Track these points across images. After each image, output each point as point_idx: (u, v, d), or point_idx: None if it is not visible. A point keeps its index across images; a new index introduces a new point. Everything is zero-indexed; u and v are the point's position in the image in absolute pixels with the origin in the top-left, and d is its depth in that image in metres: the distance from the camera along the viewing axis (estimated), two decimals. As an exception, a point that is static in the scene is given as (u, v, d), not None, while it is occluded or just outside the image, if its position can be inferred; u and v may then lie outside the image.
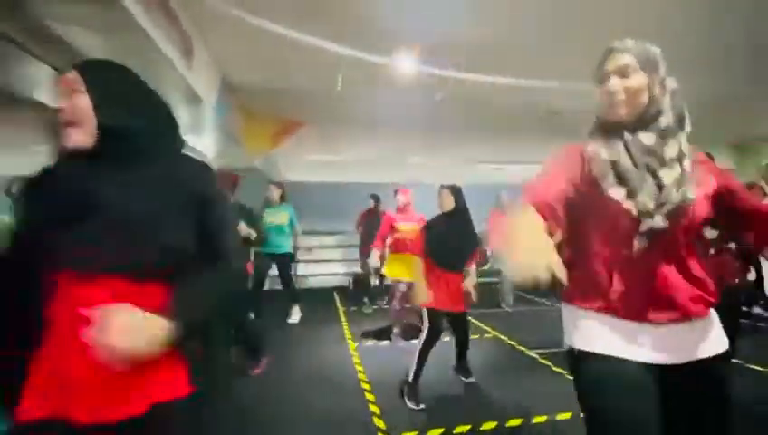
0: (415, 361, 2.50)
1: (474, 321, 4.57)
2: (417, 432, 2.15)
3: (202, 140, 4.79)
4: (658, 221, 0.94)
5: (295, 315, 4.60)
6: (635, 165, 0.98)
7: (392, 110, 5.31)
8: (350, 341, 3.82)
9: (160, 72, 2.90)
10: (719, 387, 0.98)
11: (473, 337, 3.92)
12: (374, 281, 5.70)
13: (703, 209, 0.98)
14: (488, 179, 8.11)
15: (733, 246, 2.38)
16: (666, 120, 1.00)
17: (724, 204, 1.01)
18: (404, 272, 3.54)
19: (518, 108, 5.03)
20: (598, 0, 2.98)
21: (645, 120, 1.01)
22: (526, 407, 2.38)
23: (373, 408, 2.44)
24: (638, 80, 1.00)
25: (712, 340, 0.99)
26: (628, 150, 1.00)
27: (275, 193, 4.54)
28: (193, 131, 4.54)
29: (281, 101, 5.02)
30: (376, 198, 5.89)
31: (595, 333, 0.98)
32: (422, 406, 2.41)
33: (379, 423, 2.25)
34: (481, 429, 2.20)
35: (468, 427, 2.21)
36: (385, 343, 3.75)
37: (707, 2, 2.98)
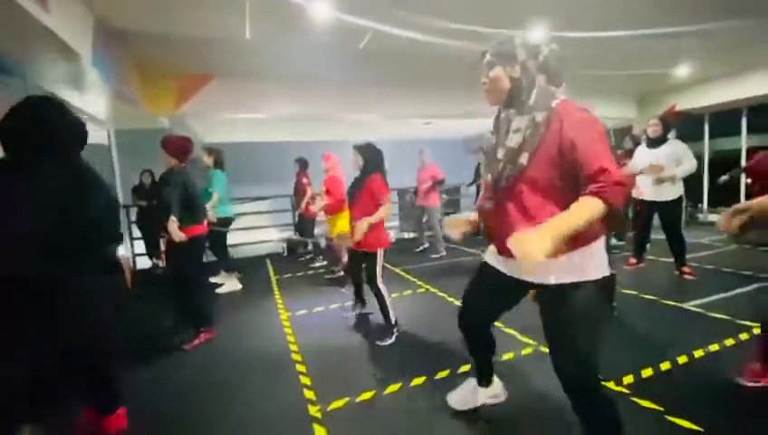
0: None
1: (406, 275, 4.66)
2: (347, 399, 2.13)
3: (85, 100, 4.08)
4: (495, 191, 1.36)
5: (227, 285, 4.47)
6: (495, 142, 1.37)
7: (311, 62, 4.90)
8: (281, 310, 3.69)
9: (9, 20, 2.29)
10: (555, 306, 1.32)
11: (405, 293, 4.02)
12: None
13: (537, 171, 1.24)
14: (418, 134, 8.06)
15: None
16: (524, 98, 1.29)
17: (566, 157, 1.19)
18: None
19: (444, 60, 4.89)
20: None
21: (508, 100, 1.35)
22: (456, 358, 2.47)
23: (304, 380, 2.38)
24: (495, 72, 1.34)
25: (547, 271, 1.29)
26: (496, 129, 1.40)
27: (206, 159, 4.28)
28: (73, 90, 3.83)
29: (181, 51, 4.37)
30: (302, 163, 5.62)
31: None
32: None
33: (309, 395, 2.20)
34: (411, 385, 2.25)
35: (399, 385, 2.24)
36: (319, 309, 3.69)
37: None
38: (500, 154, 1.32)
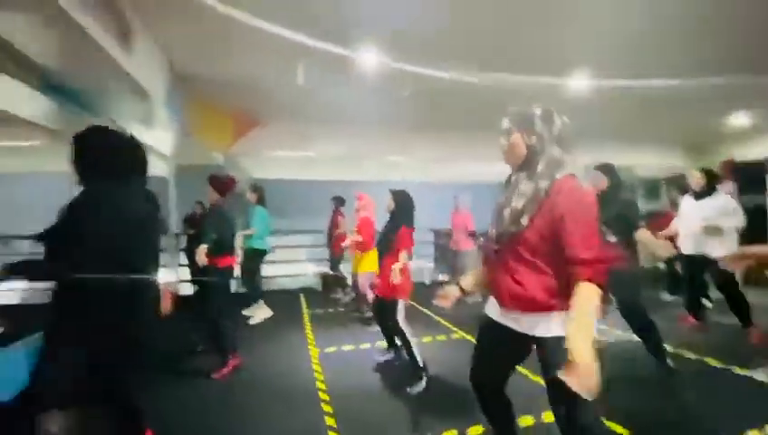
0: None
1: (440, 320, 4.51)
2: (373, 446, 2.03)
3: (155, 136, 4.49)
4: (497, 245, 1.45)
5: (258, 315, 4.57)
6: (504, 200, 1.45)
7: (358, 105, 5.16)
8: (311, 347, 3.66)
9: (93, 60, 2.64)
10: (551, 358, 1.34)
11: (438, 338, 3.87)
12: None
13: (535, 234, 1.34)
14: (457, 177, 8.12)
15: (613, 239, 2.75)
16: (535, 165, 1.39)
17: (557, 230, 1.29)
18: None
19: (485, 105, 4.97)
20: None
21: (522, 164, 1.44)
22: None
23: (329, 421, 2.30)
24: (513, 138, 1.44)
25: (538, 325, 1.38)
26: (507, 188, 1.49)
27: (249, 196, 4.67)
28: (145, 126, 4.24)
29: (238, 93, 4.75)
30: (338, 201, 5.89)
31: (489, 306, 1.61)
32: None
33: (334, 438, 2.12)
34: (441, 439, 2.11)
35: (428, 437, 2.11)
36: (348, 348, 3.62)
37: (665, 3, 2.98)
38: (506, 213, 1.42)
